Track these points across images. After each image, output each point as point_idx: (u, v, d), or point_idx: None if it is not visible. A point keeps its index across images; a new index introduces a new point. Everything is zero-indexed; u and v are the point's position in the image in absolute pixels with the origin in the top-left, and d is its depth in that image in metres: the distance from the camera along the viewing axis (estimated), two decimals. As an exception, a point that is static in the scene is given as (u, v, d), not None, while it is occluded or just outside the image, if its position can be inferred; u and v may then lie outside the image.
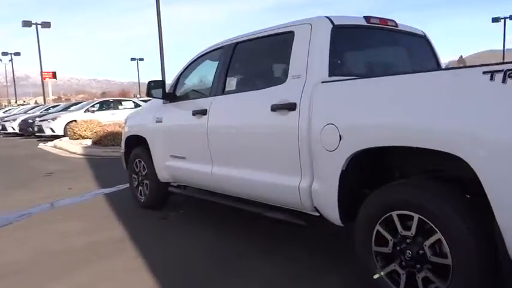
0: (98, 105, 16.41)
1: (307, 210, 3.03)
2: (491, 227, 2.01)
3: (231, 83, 3.69)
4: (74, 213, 5.09)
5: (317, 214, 3.00)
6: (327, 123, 2.69)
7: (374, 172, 2.74)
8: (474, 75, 2.01)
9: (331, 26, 3.03)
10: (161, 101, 4.72)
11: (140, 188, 5.16)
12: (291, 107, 2.95)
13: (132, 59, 58.49)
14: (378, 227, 2.46)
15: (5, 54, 46.38)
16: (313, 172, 2.87)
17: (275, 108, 3.07)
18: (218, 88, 3.81)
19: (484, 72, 1.94)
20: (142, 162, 5.05)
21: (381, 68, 3.41)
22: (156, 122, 4.64)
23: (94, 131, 12.24)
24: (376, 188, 2.56)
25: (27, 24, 31.47)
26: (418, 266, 2.27)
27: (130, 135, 5.29)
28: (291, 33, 3.19)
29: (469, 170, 1.98)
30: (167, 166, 4.54)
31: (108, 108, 16.00)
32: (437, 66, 3.77)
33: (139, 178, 5.15)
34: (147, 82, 4.45)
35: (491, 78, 1.91)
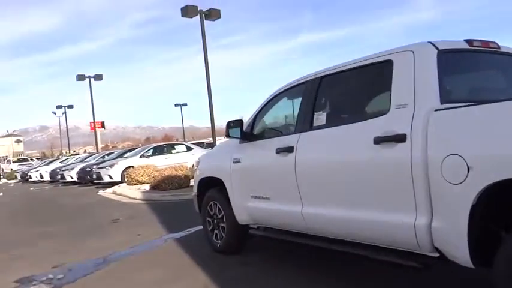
0: (152, 150, 16.80)
1: (424, 250, 2.73)
2: None
3: (320, 118, 3.54)
4: (151, 260, 4.98)
5: (436, 255, 2.70)
6: (448, 154, 2.45)
7: (505, 207, 2.43)
8: None
9: (436, 51, 2.84)
10: (236, 141, 4.64)
11: (216, 231, 5.01)
12: (400, 138, 2.74)
13: (176, 105, 60.36)
14: (526, 270, 2.14)
15: (59, 107, 49.17)
16: (433, 208, 2.60)
17: (379, 140, 2.87)
18: (304, 124, 3.67)
19: None
20: (218, 205, 4.92)
21: (490, 93, 3.15)
22: (234, 162, 4.53)
23: (151, 176, 12.42)
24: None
25: (81, 78, 33.34)
26: None
27: (203, 178, 5.21)
28: (388, 62, 3.03)
29: None
30: (247, 208, 4.38)
31: (162, 153, 16.32)
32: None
33: (215, 221, 5.01)
34: (226, 122, 4.38)
35: None
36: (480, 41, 3.12)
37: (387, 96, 2.96)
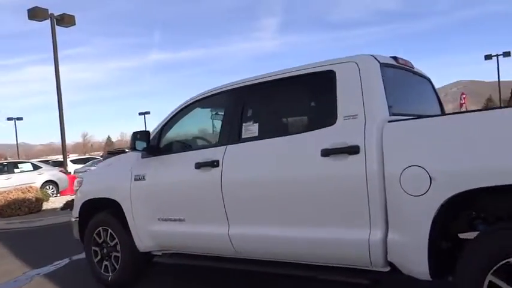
0: (-14, 170, 14.01)
1: (376, 266, 2.65)
2: None
3: (250, 128, 3.24)
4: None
5: (386, 270, 2.64)
6: (408, 165, 2.42)
7: (461, 216, 2.51)
8: None
9: (378, 63, 2.86)
10: (135, 156, 4.03)
11: (106, 262, 4.23)
12: (352, 150, 2.63)
13: (9, 119, 52.60)
14: (490, 277, 2.19)
15: None
16: (388, 221, 2.54)
17: (328, 153, 2.72)
18: (231, 136, 3.33)
19: None
20: (110, 231, 4.18)
21: (415, 108, 3.31)
22: (136, 180, 3.90)
23: (-10, 200, 10.28)
24: (470, 233, 2.33)
25: None
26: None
27: (88, 199, 4.39)
28: (330, 73, 2.93)
29: None
30: (153, 232, 3.80)
31: (1, 173, 13.75)
32: (441, 108, 3.83)
33: (104, 250, 4.24)
34: (131, 133, 3.74)
35: None
36: (402, 59, 3.28)
37: (331, 107, 2.85)
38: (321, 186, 2.77)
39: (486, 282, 2.20)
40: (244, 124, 3.29)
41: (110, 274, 4.18)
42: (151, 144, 3.79)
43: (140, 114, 52.55)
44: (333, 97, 2.86)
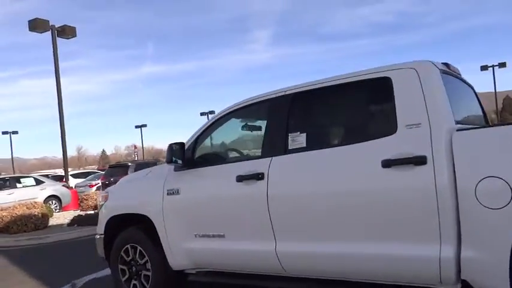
0: (-12, 186, 13.68)
1: (446, 284, 2.49)
2: None
3: (297, 139, 3.09)
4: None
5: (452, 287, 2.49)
6: (485, 176, 2.28)
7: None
8: None
9: (438, 69, 2.73)
10: (166, 169, 3.87)
11: (134, 282, 4.03)
12: (418, 160, 2.49)
13: (4, 133, 52.09)
14: None
15: None
16: (462, 237, 2.39)
17: (389, 163, 2.57)
18: (276, 147, 3.18)
19: None
20: (140, 248, 3.98)
21: (465, 116, 3.17)
22: (168, 194, 3.73)
23: (-4, 217, 9.97)
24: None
25: None
26: None
27: (115, 215, 4.20)
28: (385, 79, 2.80)
29: None
30: (189, 249, 3.62)
31: (2, 188, 13.43)
32: (484, 116, 3.72)
33: (134, 269, 4.04)
34: (167, 145, 3.57)
35: None
36: (453, 65, 3.16)
37: (390, 115, 2.71)
38: (383, 199, 2.62)
39: None
40: (290, 135, 3.14)
41: (140, 293, 3.98)
42: (186, 157, 3.62)
43: (137, 127, 52.43)
44: (390, 105, 2.73)
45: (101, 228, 4.35)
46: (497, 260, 2.26)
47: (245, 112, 3.64)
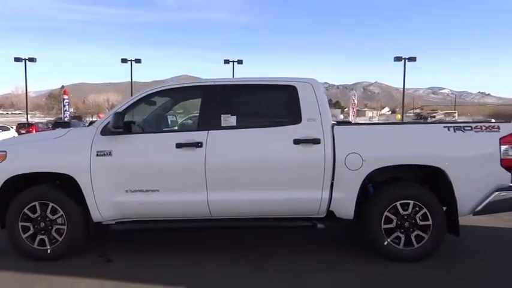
0: None
1: (320, 214, 4.28)
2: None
3: (228, 119, 4.26)
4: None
5: (323, 216, 4.32)
6: (350, 152, 4.15)
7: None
8: None
9: (322, 85, 4.47)
10: (87, 131, 4.33)
11: (42, 237, 4.27)
12: (316, 141, 4.15)
13: None
14: (386, 213, 4.17)
15: None
16: (333, 186, 4.19)
17: (298, 142, 4.15)
18: (212, 123, 4.25)
19: None
20: (52, 205, 4.25)
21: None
22: (98, 155, 4.20)
23: None
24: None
25: None
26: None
27: (20, 174, 4.24)
28: (292, 87, 4.34)
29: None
30: (117, 203, 4.23)
31: None
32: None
33: (42, 225, 4.26)
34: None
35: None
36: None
37: (296, 111, 4.27)
38: (293, 164, 4.16)
39: (383, 216, 4.17)
40: (222, 115, 4.28)
41: (49, 247, 4.26)
42: (125, 123, 4.19)
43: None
44: (297, 105, 4.28)
45: (-9, 185, 4.24)
46: (350, 198, 4.17)
47: (177, 92, 4.51)
